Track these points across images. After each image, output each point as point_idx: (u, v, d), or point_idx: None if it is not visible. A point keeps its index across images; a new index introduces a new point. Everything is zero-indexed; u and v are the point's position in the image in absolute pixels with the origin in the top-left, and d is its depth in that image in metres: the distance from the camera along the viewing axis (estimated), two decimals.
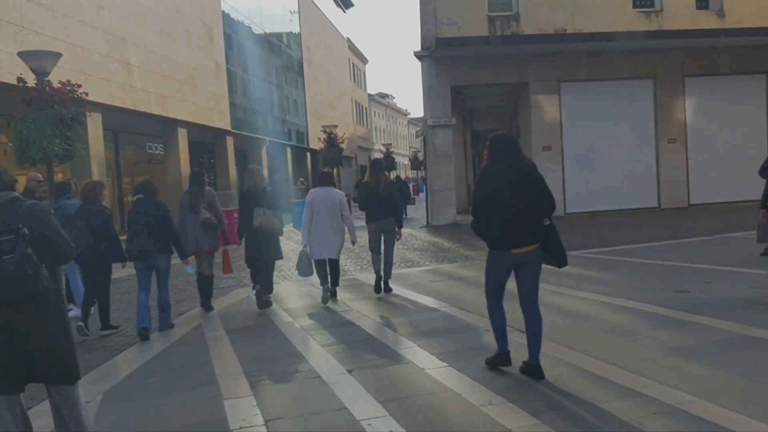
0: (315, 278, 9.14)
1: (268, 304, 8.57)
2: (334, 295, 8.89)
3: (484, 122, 31.72)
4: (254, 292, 8.59)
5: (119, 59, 20.10)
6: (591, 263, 11.05)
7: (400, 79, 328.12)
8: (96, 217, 7.42)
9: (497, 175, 4.82)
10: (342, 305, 8.67)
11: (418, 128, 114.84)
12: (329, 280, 8.86)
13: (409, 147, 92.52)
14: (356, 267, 12.77)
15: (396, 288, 9.62)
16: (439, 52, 19.33)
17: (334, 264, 8.89)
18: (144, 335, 7.30)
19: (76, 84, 11.88)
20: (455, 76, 20.25)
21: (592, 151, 20.69)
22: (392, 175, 28.05)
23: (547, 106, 20.59)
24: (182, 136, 24.68)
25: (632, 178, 20.77)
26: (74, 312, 8.73)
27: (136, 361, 6.60)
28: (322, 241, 8.54)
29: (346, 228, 8.75)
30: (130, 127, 25.68)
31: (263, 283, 8.50)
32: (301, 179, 24.22)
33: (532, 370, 4.92)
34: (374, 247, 9.14)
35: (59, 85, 11.58)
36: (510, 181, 4.78)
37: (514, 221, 4.80)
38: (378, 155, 64.81)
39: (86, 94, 12.10)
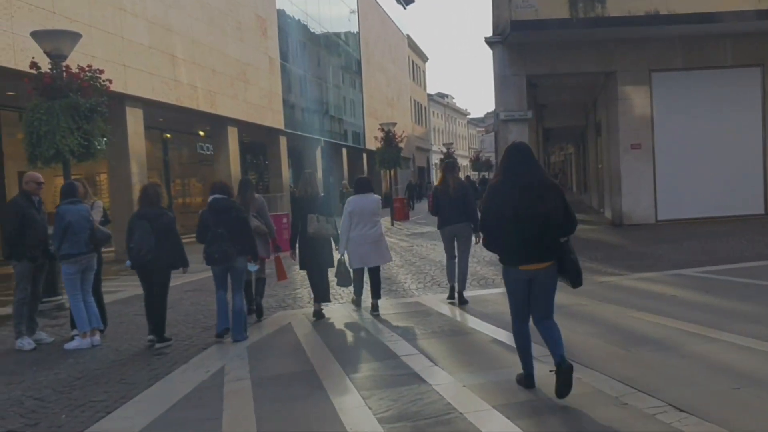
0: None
1: (321, 315, 8.30)
2: (375, 308, 8.33)
3: (556, 119, 29.36)
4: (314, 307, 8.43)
5: (163, 51, 18.64)
6: (720, 288, 8.70)
7: (459, 77, 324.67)
8: (158, 219, 7.17)
9: (508, 188, 4.64)
10: (405, 345, 6.63)
11: (479, 128, 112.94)
12: (371, 291, 8.50)
13: (469, 147, 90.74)
14: (418, 284, 10.72)
15: (473, 320, 7.58)
16: (513, 38, 17.11)
17: (375, 273, 8.50)
18: (223, 335, 7.29)
19: (98, 69, 10.21)
20: (531, 64, 17.98)
21: (688, 149, 18.07)
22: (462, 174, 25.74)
23: (636, 98, 18.08)
24: (232, 135, 23.16)
25: (735, 181, 18.04)
26: (77, 342, 7.20)
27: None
28: (364, 250, 8.28)
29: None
30: (179, 126, 24.41)
31: (320, 291, 8.43)
32: (344, 182, 22.29)
33: (561, 370, 4.55)
34: (449, 254, 8.78)
35: (77, 71, 9.95)
36: (522, 196, 4.58)
37: (523, 237, 4.59)
38: (437, 156, 62.78)
39: (110, 81, 10.43)
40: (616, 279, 10.02)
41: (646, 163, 18.07)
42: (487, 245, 4.98)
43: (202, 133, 25.60)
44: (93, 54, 15.23)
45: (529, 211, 4.54)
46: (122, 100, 16.92)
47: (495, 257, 5.45)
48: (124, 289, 11.87)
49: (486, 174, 52.30)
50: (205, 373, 6.13)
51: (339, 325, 8.03)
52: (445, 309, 8.51)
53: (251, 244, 7.46)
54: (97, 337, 7.59)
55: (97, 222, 7.73)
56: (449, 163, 8.98)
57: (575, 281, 4.83)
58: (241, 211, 7.51)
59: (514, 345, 6.13)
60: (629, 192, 18.09)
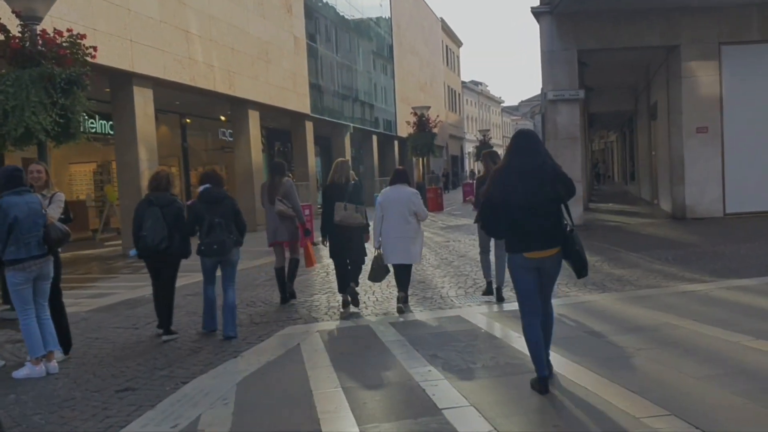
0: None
1: (357, 302, 8.10)
2: (405, 300, 7.95)
3: (602, 103, 27.13)
4: (342, 297, 8.15)
5: (176, 26, 17.05)
6: None
7: (493, 64, 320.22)
8: (169, 206, 6.91)
9: (514, 174, 4.53)
10: (448, 389, 4.85)
11: (514, 117, 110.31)
12: (397, 284, 8.04)
13: (503, 136, 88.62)
14: (458, 289, 8.93)
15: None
16: (564, 6, 15.12)
17: (406, 270, 8.03)
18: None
19: (79, 34, 8.60)
20: (583, 37, 15.96)
21: (763, 134, 15.89)
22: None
23: (702, 75, 15.95)
24: (253, 119, 21.54)
25: None
26: (26, 370, 5.90)
27: None
28: (394, 245, 7.84)
29: (419, 218, 7.99)
30: (199, 110, 22.90)
31: (348, 280, 8.08)
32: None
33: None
34: (483, 248, 8.26)
35: (53, 35, 8.36)
36: (526, 182, 4.46)
37: (528, 223, 4.48)
38: (471, 144, 60.65)
39: (94, 49, 8.80)
40: (703, 287, 8.10)
41: (714, 148, 15.95)
42: (488, 230, 5.03)
43: (223, 117, 24.08)
44: (94, 26, 13.72)
45: (534, 197, 4.45)
46: (129, 78, 15.41)
47: None
48: (114, 292, 10.30)
49: None
50: (171, 429, 4.45)
51: (360, 351, 6.29)
52: (496, 327, 6.75)
53: (243, 233, 7.26)
54: (54, 363, 5.99)
55: (55, 218, 6.11)
56: (492, 153, 8.53)
57: (580, 271, 4.70)
58: (235, 201, 7.33)
59: (605, 397, 4.41)
60: (693, 182, 16.00)
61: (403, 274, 7.96)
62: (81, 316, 8.38)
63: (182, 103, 21.30)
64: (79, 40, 8.55)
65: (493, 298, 8.05)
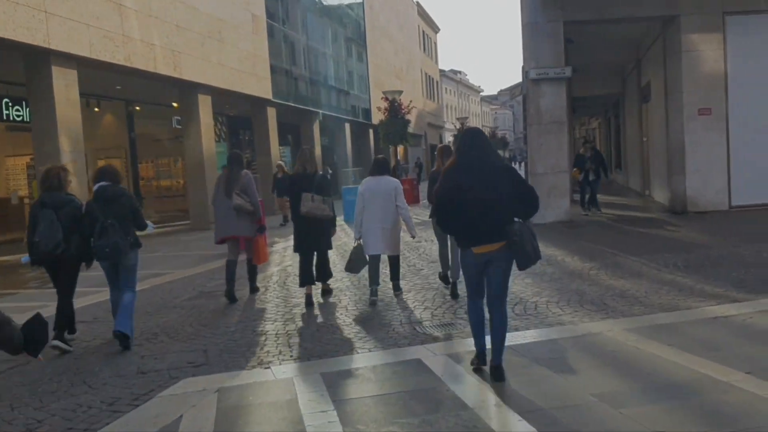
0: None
1: (329, 292, 8.28)
2: (397, 288, 8.06)
3: (587, 86, 25.22)
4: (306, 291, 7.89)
5: None
6: None
7: (471, 53, 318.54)
8: (63, 207, 6.38)
9: (461, 172, 4.66)
10: None
11: (493, 106, 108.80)
12: (389, 274, 8.12)
13: (482, 125, 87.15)
14: (423, 312, 6.94)
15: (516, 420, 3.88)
16: None
17: (394, 260, 8.05)
18: (126, 345, 6.30)
19: None
20: (571, 8, 14.02)
21: None
22: None
23: (705, 49, 14.09)
24: (205, 104, 19.38)
25: None
26: None
27: None
28: (375, 236, 7.68)
29: (403, 220, 7.83)
30: (148, 96, 20.69)
31: (320, 274, 8.15)
32: (279, 162, 18.37)
33: (494, 372, 4.70)
34: (441, 242, 8.13)
35: None
36: (475, 179, 4.59)
37: (476, 220, 4.61)
38: (450, 134, 58.68)
39: None
40: (736, 310, 6.18)
41: (718, 133, 14.14)
42: (442, 226, 5.12)
43: (176, 104, 21.88)
44: None
45: (479, 194, 4.55)
46: (46, 57, 13.24)
47: None
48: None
49: (501, 152, 48.43)
50: None
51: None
52: (466, 384, 4.77)
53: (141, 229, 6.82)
54: None
55: None
56: (445, 147, 8.41)
57: (520, 263, 4.70)
58: (133, 199, 6.85)
59: None
60: (696, 171, 14.17)
61: (395, 263, 8.01)
62: None
63: (126, 88, 19.12)
64: None
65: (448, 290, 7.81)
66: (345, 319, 7.01)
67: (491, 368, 4.72)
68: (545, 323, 6.30)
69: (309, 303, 7.72)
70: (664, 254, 9.66)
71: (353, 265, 7.82)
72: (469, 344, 5.63)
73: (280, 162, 18.47)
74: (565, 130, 14.51)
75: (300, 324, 6.90)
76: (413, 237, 8.13)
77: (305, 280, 7.86)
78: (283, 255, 12.10)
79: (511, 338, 5.67)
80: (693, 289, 7.36)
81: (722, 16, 13.96)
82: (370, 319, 6.89)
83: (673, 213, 14.56)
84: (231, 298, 8.15)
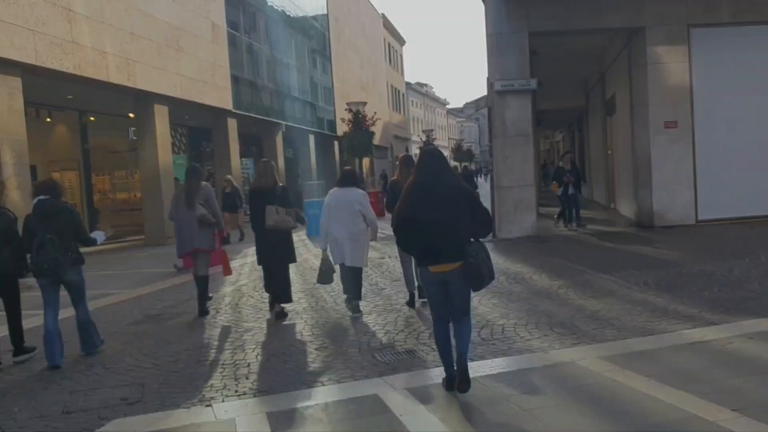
0: None
1: (284, 315, 7.80)
2: (357, 307, 7.74)
3: (551, 99, 25.12)
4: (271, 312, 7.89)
5: (52, 2, 14.13)
6: None
7: (437, 67, 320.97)
8: None
9: (418, 191, 4.73)
10: None
11: (459, 119, 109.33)
12: (351, 290, 7.83)
13: (449, 138, 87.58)
14: (384, 336, 6.45)
15: None
16: None
17: (356, 273, 7.83)
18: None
19: None
20: (536, 18, 13.78)
21: (738, 128, 14.03)
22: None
23: (671, 62, 13.96)
24: (161, 115, 18.68)
25: None
26: None
27: None
28: (341, 247, 7.66)
29: (370, 230, 7.83)
30: (103, 107, 19.90)
31: (278, 290, 7.89)
32: (228, 177, 17.76)
33: (461, 373, 4.67)
34: (403, 257, 7.92)
35: None
36: (433, 200, 4.66)
37: (434, 239, 4.66)
38: (416, 146, 58.46)
39: None
40: (714, 334, 5.82)
41: (685, 146, 13.98)
42: (401, 245, 5.32)
43: (132, 115, 21.11)
44: None
45: (436, 215, 4.61)
46: None
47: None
48: None
49: (468, 164, 48.38)
50: None
51: None
52: (430, 423, 4.28)
53: (87, 244, 6.74)
54: None
55: None
56: (407, 158, 8.33)
57: (473, 284, 4.77)
58: (74, 214, 6.54)
59: None
60: (662, 184, 13.98)
61: (357, 277, 7.82)
62: None
63: (79, 98, 18.30)
64: None
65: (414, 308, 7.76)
66: (299, 346, 6.50)
67: (458, 370, 4.74)
68: (513, 349, 5.87)
69: (282, 317, 7.76)
70: (634, 271, 9.34)
71: (324, 275, 7.79)
72: (432, 375, 5.19)
73: (228, 177, 17.75)
74: (530, 142, 14.23)
75: (250, 352, 6.36)
76: (374, 240, 8.18)
77: (277, 296, 7.93)
78: (238, 273, 11.50)
79: (478, 368, 5.24)
80: (666, 309, 7.02)
81: (687, 29, 13.85)
82: (326, 347, 6.38)
83: (640, 227, 14.35)
84: (203, 312, 8.17)
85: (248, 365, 5.91)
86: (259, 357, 6.18)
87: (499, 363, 5.44)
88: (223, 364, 5.97)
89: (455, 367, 4.72)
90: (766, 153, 13.94)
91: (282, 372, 5.65)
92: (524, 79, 13.64)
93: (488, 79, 13.99)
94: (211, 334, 7.24)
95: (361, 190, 8.01)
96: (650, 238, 12.99)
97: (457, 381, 4.63)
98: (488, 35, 13.90)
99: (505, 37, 13.70)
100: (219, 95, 22.14)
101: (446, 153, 74.46)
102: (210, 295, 8.78)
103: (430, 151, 4.98)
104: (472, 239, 4.72)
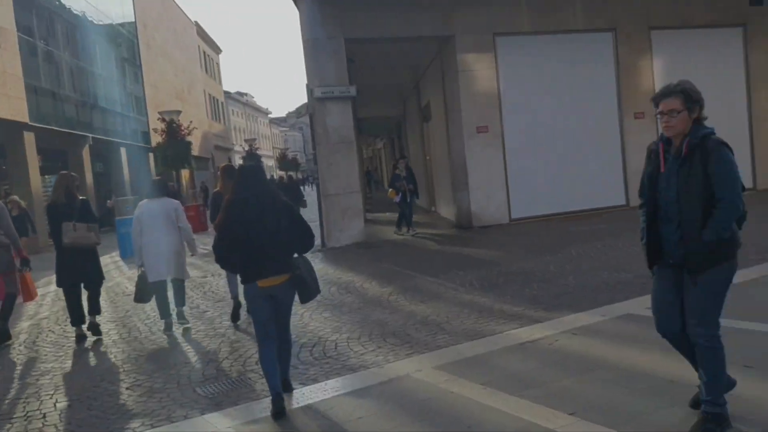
0: None
1: (97, 328, 7.56)
2: (182, 318, 7.57)
3: (370, 107, 25.58)
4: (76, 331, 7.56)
5: None
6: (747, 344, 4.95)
7: (258, 76, 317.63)
8: None
9: (239, 206, 4.69)
10: None
11: (283, 128, 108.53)
12: (176, 301, 7.62)
13: (273, 147, 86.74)
14: (191, 372, 5.88)
15: None
16: None
17: (179, 285, 7.66)
18: None
19: None
20: (351, 25, 13.75)
21: (541, 131, 15.00)
22: (276, 174, 20.63)
23: (480, 69, 14.59)
24: None
25: (593, 168, 15.29)
26: None
27: None
28: (158, 260, 7.37)
29: (185, 242, 7.65)
30: None
31: (91, 305, 7.60)
32: (109, 200, 16.38)
33: (283, 385, 4.75)
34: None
35: None
36: (254, 215, 4.64)
37: (259, 254, 4.64)
38: (239, 156, 56.94)
39: None
40: (540, 332, 5.93)
41: (496, 150, 14.68)
42: (221, 263, 5.05)
43: None
44: None
45: (259, 227, 4.61)
46: None
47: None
48: None
49: (293, 174, 47.99)
50: None
51: None
52: None
53: None
54: None
55: None
56: (228, 168, 8.03)
57: (302, 296, 4.82)
58: None
59: None
60: (478, 187, 14.57)
61: (180, 289, 7.66)
62: None
63: None
64: None
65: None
66: (107, 386, 5.72)
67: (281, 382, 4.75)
68: (347, 367, 5.58)
69: (81, 341, 7.42)
70: (459, 272, 9.52)
71: (141, 294, 7.49)
72: (260, 408, 4.73)
73: (14, 197, 15.88)
74: (354, 149, 14.18)
75: (47, 400, 5.47)
76: (192, 255, 7.99)
77: (77, 318, 7.53)
78: (39, 304, 10.17)
79: (311, 394, 4.89)
80: (492, 309, 7.14)
81: (493, 37, 14.57)
82: (139, 385, 5.67)
83: (460, 228, 14.84)
84: (4, 336, 7.59)
85: (44, 416, 5.07)
86: (58, 404, 5.34)
87: (333, 385, 5.11)
88: (11, 418, 5.07)
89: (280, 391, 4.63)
90: (566, 154, 15.01)
91: (85, 420, 4.90)
92: (344, 86, 13.54)
93: (308, 85, 13.73)
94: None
95: (174, 200, 7.83)
96: (470, 238, 13.46)
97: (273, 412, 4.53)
98: (304, 41, 13.64)
99: (322, 42, 13.52)
100: (12, 107, 19.84)
101: (271, 163, 73.65)
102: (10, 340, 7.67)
103: (248, 167, 5.02)
104: (295, 254, 4.76)
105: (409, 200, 14.77)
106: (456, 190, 15.15)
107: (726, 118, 16.28)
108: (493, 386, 4.55)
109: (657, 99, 3.49)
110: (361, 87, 18.76)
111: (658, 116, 3.49)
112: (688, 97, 3.41)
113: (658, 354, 4.59)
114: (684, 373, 3.95)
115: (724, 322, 3.53)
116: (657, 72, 15.71)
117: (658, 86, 15.25)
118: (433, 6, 14.20)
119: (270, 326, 4.73)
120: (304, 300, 4.84)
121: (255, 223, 4.60)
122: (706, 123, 3.53)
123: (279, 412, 4.45)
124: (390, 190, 14.95)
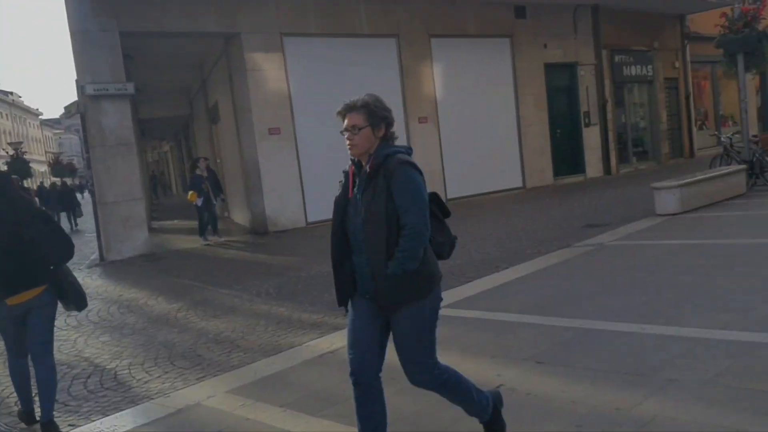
0: None
1: None
2: None
3: (153, 108, 24.10)
4: None
5: None
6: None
7: (28, 77, 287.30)
8: None
9: None
10: None
11: (57, 130, 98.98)
12: None
13: (45, 152, 78.89)
14: None
15: None
16: None
17: None
18: None
19: None
20: (127, 17, 12.59)
21: (331, 134, 14.85)
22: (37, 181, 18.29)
23: (269, 69, 14.18)
24: None
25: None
26: None
27: None
28: None
29: None
30: None
31: None
32: None
33: (46, 428, 4.22)
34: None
35: None
36: (4, 227, 4.21)
37: (8, 268, 4.18)
38: (2, 161, 50.58)
39: None
40: (341, 341, 5.73)
41: (290, 152, 14.38)
42: None
43: None
44: None
45: (10, 242, 4.21)
46: None
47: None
48: None
49: (69, 180, 43.76)
50: None
51: None
52: None
53: None
54: None
55: None
56: None
57: (79, 304, 4.56)
58: None
59: None
60: (273, 190, 14.16)
61: None
62: None
63: None
64: None
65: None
66: None
67: (42, 425, 4.30)
68: (129, 399, 4.93)
69: None
70: (255, 281, 9.10)
71: None
72: None
73: None
74: (134, 152, 13.02)
75: None
76: None
77: None
78: None
79: None
80: (291, 319, 6.83)
81: (280, 37, 14.24)
82: None
83: (255, 234, 14.34)
84: None
85: None
86: None
87: (110, 422, 4.45)
88: None
89: (41, 419, 4.32)
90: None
91: None
92: (120, 83, 12.37)
93: (78, 81, 12.36)
94: None
95: None
96: (266, 244, 13.05)
97: (43, 428, 4.27)
98: (72, 33, 12.23)
99: (93, 35, 12.22)
100: None
101: (43, 169, 66.61)
102: None
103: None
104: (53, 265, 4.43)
105: (215, 202, 13.99)
106: (249, 195, 14.62)
107: (498, 122, 17.70)
108: (293, 407, 4.22)
109: (341, 114, 3.15)
110: (143, 85, 17.50)
111: (343, 133, 3.13)
112: (372, 112, 3.09)
113: (458, 356, 4.58)
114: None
115: (508, 317, 3.53)
116: (437, 78, 16.50)
117: (439, 92, 16.13)
118: (217, 1, 13.53)
119: (21, 344, 4.46)
120: (81, 308, 4.62)
121: (3, 237, 4.23)
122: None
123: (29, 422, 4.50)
124: (191, 192, 13.84)
